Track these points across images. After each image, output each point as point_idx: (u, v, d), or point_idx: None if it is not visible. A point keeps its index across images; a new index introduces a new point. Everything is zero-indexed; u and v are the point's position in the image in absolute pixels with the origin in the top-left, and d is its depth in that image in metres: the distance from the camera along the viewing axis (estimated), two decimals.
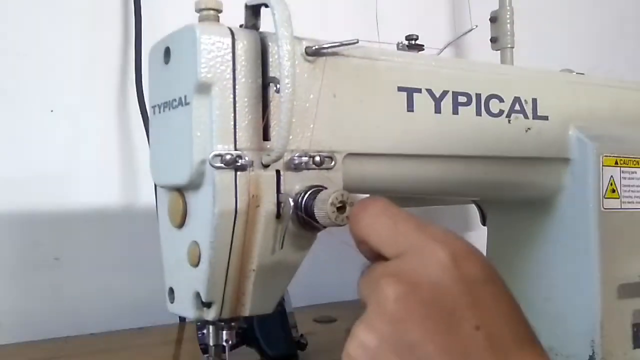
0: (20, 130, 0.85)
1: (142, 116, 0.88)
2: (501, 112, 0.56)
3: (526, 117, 0.57)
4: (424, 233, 0.33)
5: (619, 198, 0.61)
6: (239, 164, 0.42)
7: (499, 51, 1.07)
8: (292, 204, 0.43)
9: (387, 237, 0.33)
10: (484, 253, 0.48)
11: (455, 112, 0.53)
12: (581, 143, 0.60)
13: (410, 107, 0.50)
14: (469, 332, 0.30)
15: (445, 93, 0.52)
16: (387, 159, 0.50)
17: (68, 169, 0.87)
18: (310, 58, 0.45)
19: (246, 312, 0.46)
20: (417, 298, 0.30)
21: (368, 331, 0.31)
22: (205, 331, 0.48)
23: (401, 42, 0.59)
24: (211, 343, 0.48)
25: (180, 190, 0.45)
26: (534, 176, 0.60)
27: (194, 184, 0.43)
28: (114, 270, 0.89)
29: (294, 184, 0.44)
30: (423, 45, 0.58)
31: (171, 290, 0.48)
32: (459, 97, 0.53)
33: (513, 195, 0.62)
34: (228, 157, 0.41)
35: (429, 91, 0.51)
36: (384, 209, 0.34)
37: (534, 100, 0.58)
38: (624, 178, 0.61)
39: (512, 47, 1.07)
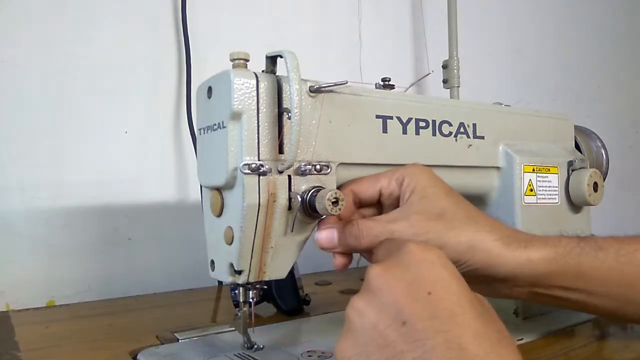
0: (104, 146, 0.85)
1: (192, 136, 0.88)
2: (450, 133, 0.55)
3: (468, 137, 0.57)
4: (403, 241, 0.36)
5: (535, 195, 0.61)
6: (261, 170, 0.42)
7: (449, 89, 1.08)
8: (299, 199, 0.43)
9: (385, 250, 0.38)
10: None
11: (417, 133, 0.53)
12: (508, 156, 0.60)
13: (384, 130, 0.50)
14: (423, 295, 0.31)
15: (410, 119, 0.52)
16: (368, 167, 0.50)
17: (138, 174, 0.87)
18: (312, 94, 0.45)
19: (266, 277, 0.46)
20: (388, 274, 0.33)
21: (359, 299, 0.33)
22: (236, 291, 0.48)
23: (378, 83, 0.59)
24: (241, 300, 0.48)
25: (219, 189, 0.45)
26: (474, 179, 0.60)
27: (229, 185, 0.43)
28: (170, 247, 0.89)
29: (301, 185, 0.44)
30: (394, 85, 0.58)
31: (212, 262, 0.47)
32: (420, 122, 0.53)
33: (460, 193, 0.62)
34: (253, 165, 0.41)
35: (398, 118, 0.51)
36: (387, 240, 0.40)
37: (474, 125, 0.58)
38: (539, 181, 0.61)
39: (458, 87, 1.07)
